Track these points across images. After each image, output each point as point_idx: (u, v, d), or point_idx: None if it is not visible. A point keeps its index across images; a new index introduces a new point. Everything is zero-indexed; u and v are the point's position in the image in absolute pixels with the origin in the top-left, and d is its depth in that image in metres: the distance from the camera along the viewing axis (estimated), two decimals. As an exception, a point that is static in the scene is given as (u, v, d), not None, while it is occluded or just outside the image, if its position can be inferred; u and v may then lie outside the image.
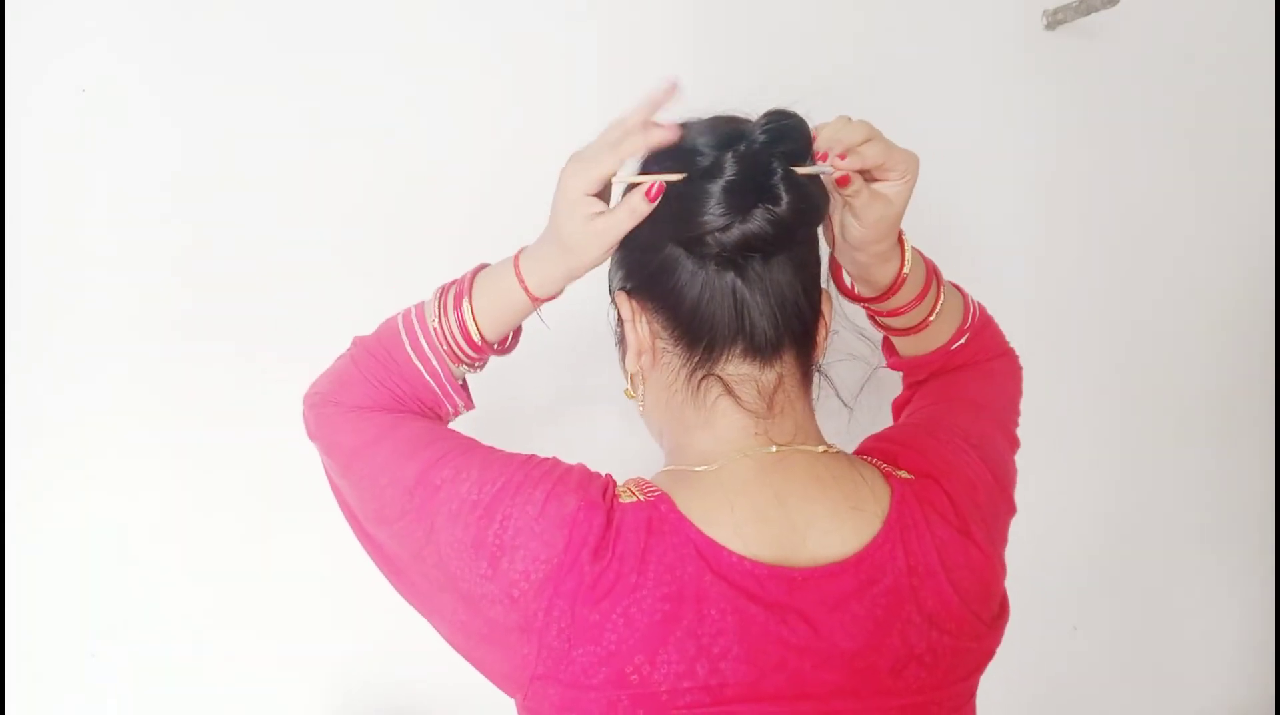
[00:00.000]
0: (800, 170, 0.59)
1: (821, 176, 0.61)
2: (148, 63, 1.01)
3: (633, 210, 0.59)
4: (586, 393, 1.16)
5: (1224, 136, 1.49)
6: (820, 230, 0.66)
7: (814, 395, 0.68)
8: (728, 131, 0.60)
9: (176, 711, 1.06)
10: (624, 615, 0.54)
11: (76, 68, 0.98)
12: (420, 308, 0.68)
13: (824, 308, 0.66)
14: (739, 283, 0.60)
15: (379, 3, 1.07)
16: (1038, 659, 1.47)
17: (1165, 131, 1.45)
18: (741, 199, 0.57)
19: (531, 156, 1.00)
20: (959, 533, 0.61)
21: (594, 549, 0.55)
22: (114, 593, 1.03)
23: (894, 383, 0.85)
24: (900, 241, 0.67)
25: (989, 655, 0.64)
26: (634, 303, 0.65)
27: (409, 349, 0.66)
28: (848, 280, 0.72)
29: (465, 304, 0.65)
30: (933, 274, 0.71)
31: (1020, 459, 0.75)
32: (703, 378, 0.63)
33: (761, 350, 0.62)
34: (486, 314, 0.66)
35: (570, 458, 0.63)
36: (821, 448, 0.64)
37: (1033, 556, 1.40)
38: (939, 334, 0.75)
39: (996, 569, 0.63)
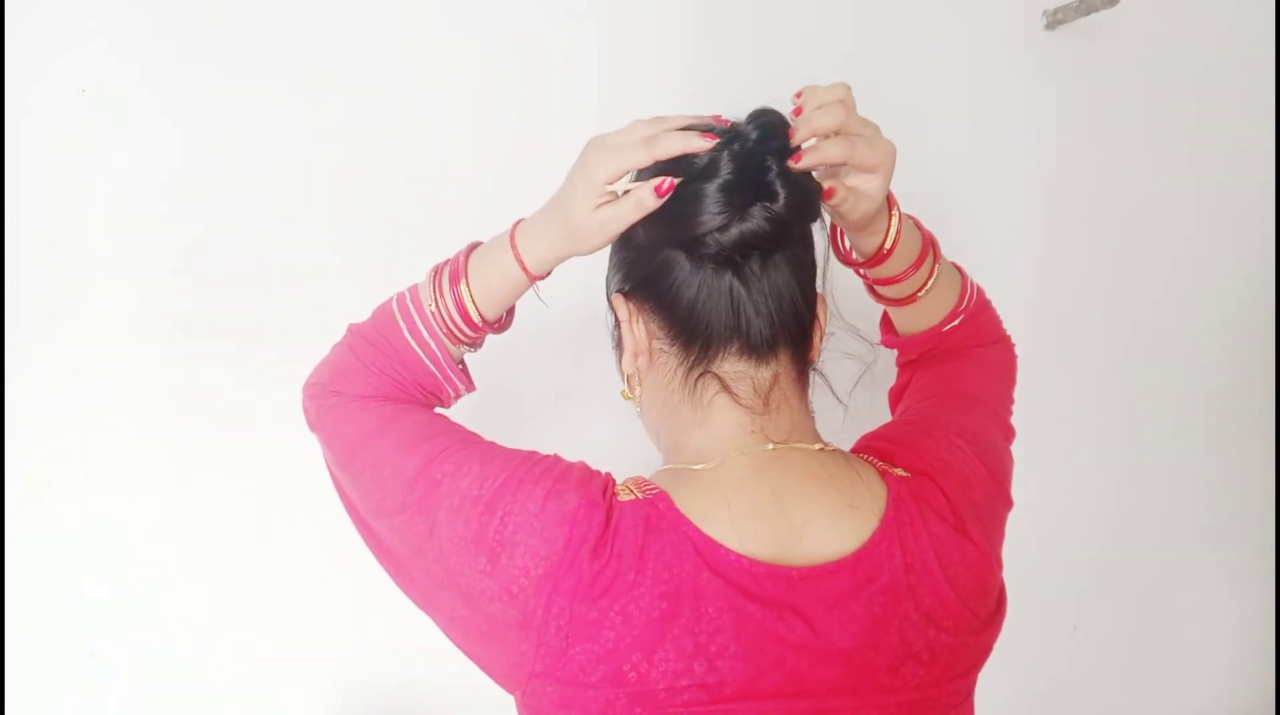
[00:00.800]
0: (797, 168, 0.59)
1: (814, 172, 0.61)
2: (148, 63, 1.01)
3: (640, 203, 0.59)
4: (585, 394, 1.16)
5: (1224, 136, 1.50)
6: (816, 226, 0.66)
7: (809, 395, 0.68)
8: (720, 132, 0.60)
9: (176, 711, 1.06)
10: (622, 613, 0.54)
11: (76, 68, 0.98)
12: (414, 291, 0.67)
13: (819, 310, 0.67)
14: (735, 282, 0.61)
15: (380, 3, 1.07)
16: (1038, 659, 1.47)
17: (1165, 131, 1.45)
18: (739, 197, 0.58)
19: (531, 157, 1.00)
20: (955, 530, 0.62)
21: (593, 547, 0.55)
22: (114, 593, 1.03)
23: (889, 382, 0.85)
24: (890, 212, 0.67)
25: (987, 651, 0.64)
26: (631, 304, 0.65)
27: (407, 334, 0.66)
28: (845, 244, 0.72)
29: (462, 284, 0.65)
30: (929, 247, 0.71)
31: (1020, 459, 0.75)
32: (700, 376, 0.63)
33: (757, 348, 0.62)
34: (483, 293, 0.65)
35: (569, 458, 0.63)
36: (818, 446, 0.64)
37: (1033, 556, 1.41)
38: (931, 311, 0.75)
39: (993, 565, 0.64)
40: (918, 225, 0.72)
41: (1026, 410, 0.80)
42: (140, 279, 1.01)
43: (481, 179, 1.11)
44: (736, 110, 0.64)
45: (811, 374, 0.68)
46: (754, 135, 0.59)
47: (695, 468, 0.62)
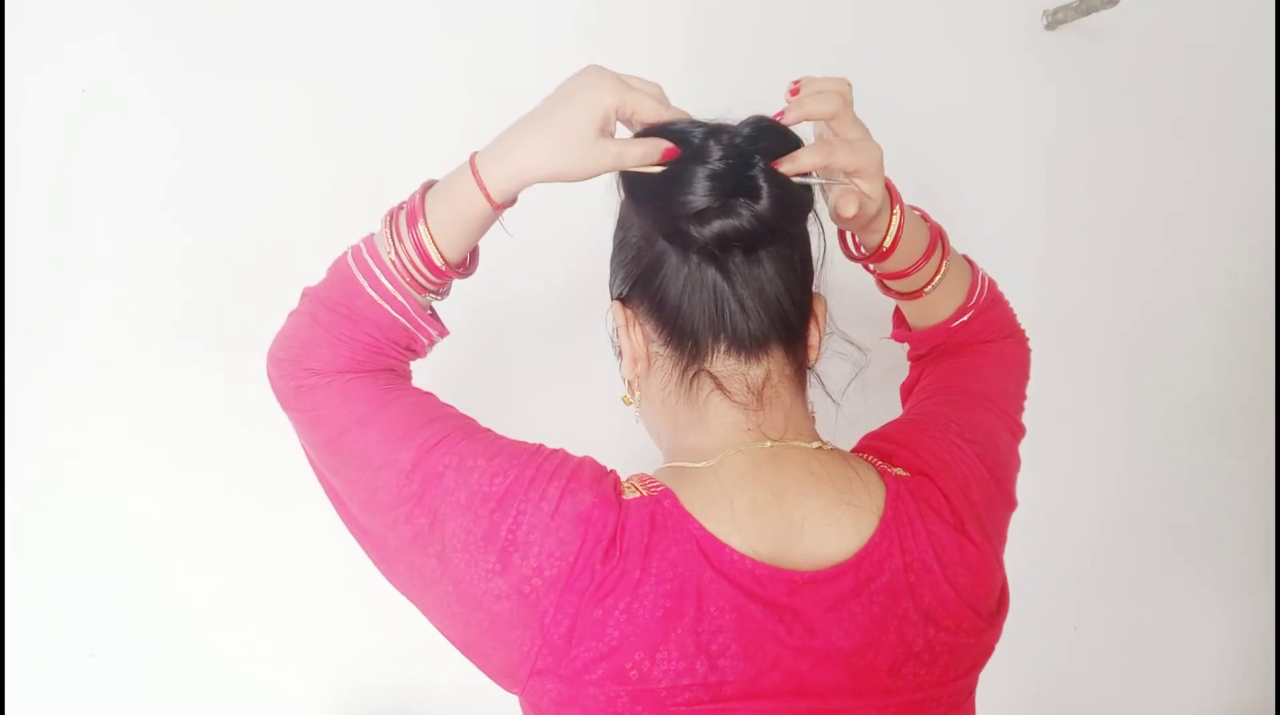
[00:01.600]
0: (797, 179, 0.60)
1: (814, 188, 0.62)
2: (148, 63, 1.01)
3: (644, 154, 0.58)
4: (587, 396, 1.16)
5: (1224, 136, 1.49)
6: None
7: (808, 395, 0.68)
8: (714, 126, 0.61)
9: (177, 711, 1.06)
10: (626, 611, 0.54)
11: (76, 67, 0.98)
12: (370, 242, 0.63)
13: (817, 309, 0.67)
14: (719, 278, 0.61)
15: (381, 3, 1.07)
16: (1038, 659, 1.47)
17: (1165, 131, 1.45)
18: (723, 185, 0.58)
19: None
20: (954, 529, 0.62)
21: (605, 549, 0.55)
22: (114, 593, 1.03)
23: (884, 382, 0.85)
24: (892, 209, 0.67)
25: (988, 651, 0.64)
26: (627, 311, 0.66)
27: (370, 291, 0.61)
28: (853, 240, 0.72)
29: (420, 225, 0.60)
30: (936, 241, 0.71)
31: (1022, 459, 0.75)
32: (694, 375, 0.63)
33: (745, 345, 0.62)
34: (444, 232, 0.61)
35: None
36: (816, 444, 0.64)
37: (1034, 556, 1.40)
38: (939, 306, 0.75)
39: (993, 565, 0.63)
40: (925, 218, 0.72)
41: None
42: (140, 279, 1.01)
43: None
44: (733, 112, 0.64)
45: (808, 375, 0.68)
46: (744, 132, 0.59)
47: (697, 466, 0.62)
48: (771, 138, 0.60)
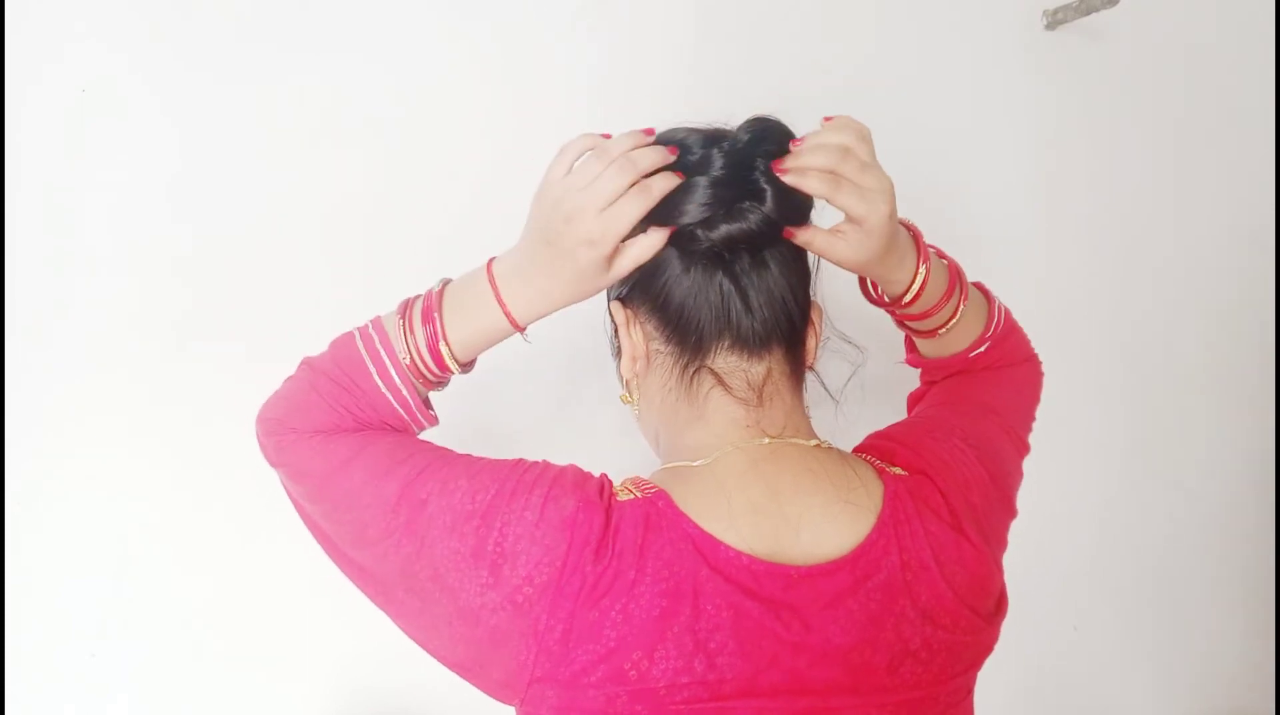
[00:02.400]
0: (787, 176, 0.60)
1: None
2: (148, 63, 1.01)
3: (651, 247, 0.59)
4: (583, 400, 1.16)
5: (1224, 136, 1.49)
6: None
7: (804, 396, 0.68)
8: (713, 132, 0.61)
9: (177, 711, 1.06)
10: (623, 612, 0.54)
11: (76, 68, 0.98)
12: (381, 331, 0.64)
13: (814, 316, 0.67)
14: (725, 279, 0.62)
15: (382, 2, 1.07)
16: (1038, 659, 1.47)
17: (1165, 131, 1.45)
18: (727, 193, 0.59)
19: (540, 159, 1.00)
20: (952, 529, 0.62)
21: (595, 549, 0.55)
22: (114, 593, 1.03)
23: (881, 383, 0.85)
24: (919, 257, 0.67)
25: (987, 650, 0.64)
26: (627, 310, 0.66)
27: (378, 379, 0.63)
28: (870, 281, 0.73)
29: (440, 338, 0.62)
30: (955, 283, 0.71)
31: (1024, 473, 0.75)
32: (695, 371, 0.64)
33: (749, 343, 0.63)
34: (462, 341, 0.63)
35: (565, 460, 0.63)
36: (813, 442, 0.65)
37: (1033, 556, 1.40)
38: (957, 341, 0.76)
39: (991, 566, 0.64)
40: (941, 255, 0.72)
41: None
42: (140, 279, 1.01)
43: (487, 182, 1.11)
44: (733, 112, 0.64)
45: (806, 376, 0.69)
46: (745, 137, 0.60)
47: (694, 464, 0.62)
48: (772, 139, 0.60)
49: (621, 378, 0.69)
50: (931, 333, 0.74)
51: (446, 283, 0.65)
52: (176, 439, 1.03)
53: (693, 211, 0.58)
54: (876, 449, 0.68)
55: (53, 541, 1.00)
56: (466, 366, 0.66)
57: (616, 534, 0.56)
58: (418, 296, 0.65)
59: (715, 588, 0.56)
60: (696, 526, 0.57)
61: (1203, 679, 1.61)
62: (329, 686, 1.12)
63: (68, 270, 0.99)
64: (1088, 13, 1.29)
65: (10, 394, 0.98)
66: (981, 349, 0.76)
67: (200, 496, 1.05)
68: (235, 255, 1.04)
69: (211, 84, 1.03)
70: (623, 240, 0.58)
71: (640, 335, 0.66)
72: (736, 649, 0.55)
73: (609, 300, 0.69)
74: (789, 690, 0.56)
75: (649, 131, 0.60)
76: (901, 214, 0.65)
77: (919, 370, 0.84)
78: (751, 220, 0.59)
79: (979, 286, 0.78)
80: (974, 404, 0.75)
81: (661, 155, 0.58)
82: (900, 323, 0.77)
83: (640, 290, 0.65)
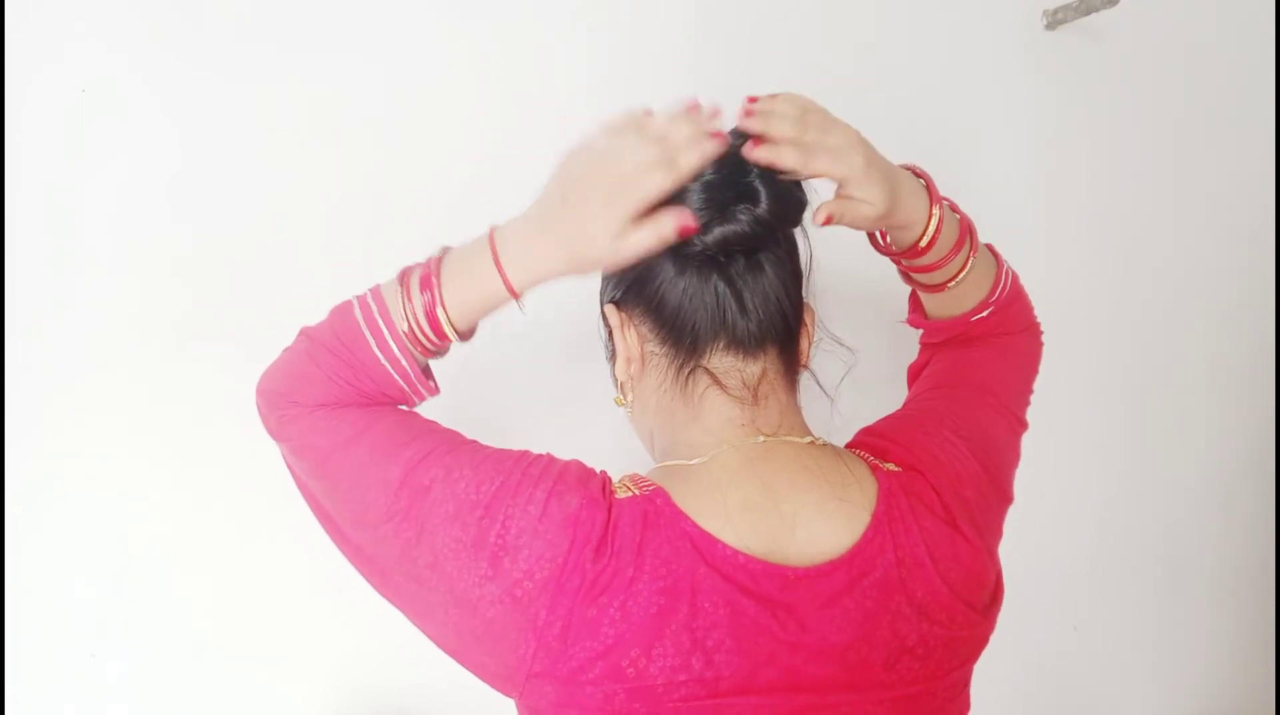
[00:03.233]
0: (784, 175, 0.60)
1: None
2: (148, 63, 1.01)
3: (661, 238, 0.58)
4: (580, 400, 1.16)
5: (1224, 136, 1.49)
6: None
7: (798, 394, 0.68)
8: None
9: (177, 711, 1.06)
10: (621, 609, 0.55)
11: (76, 68, 0.98)
12: (379, 300, 0.63)
13: (806, 317, 0.68)
14: (719, 280, 0.62)
15: (382, 2, 1.07)
16: (1038, 658, 1.47)
17: (1165, 131, 1.45)
18: (721, 196, 0.59)
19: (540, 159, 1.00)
20: (946, 524, 0.62)
21: (595, 548, 0.55)
22: (114, 593, 1.03)
23: (878, 384, 0.85)
24: (932, 196, 0.67)
25: (983, 644, 0.65)
26: (622, 313, 0.66)
27: (376, 350, 0.62)
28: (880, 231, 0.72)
29: (437, 303, 0.61)
30: (965, 235, 0.70)
31: (1022, 459, 0.75)
32: (690, 371, 0.64)
33: (744, 343, 0.63)
34: (460, 309, 0.62)
35: (566, 455, 0.64)
36: (808, 440, 0.65)
37: (1033, 555, 1.41)
38: (961, 300, 0.75)
39: (985, 560, 0.64)
40: (954, 209, 0.71)
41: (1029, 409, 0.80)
42: (140, 279, 1.01)
43: (488, 181, 1.11)
44: (731, 114, 0.64)
45: (800, 374, 0.69)
46: (736, 140, 0.60)
47: (691, 463, 0.63)
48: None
49: (616, 380, 0.69)
50: (939, 286, 0.73)
51: (447, 250, 0.64)
52: (176, 439, 1.03)
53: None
54: (869, 445, 0.69)
55: (53, 541, 1.00)
56: (465, 335, 0.65)
57: (616, 531, 0.56)
58: (418, 264, 0.64)
59: (713, 586, 0.56)
60: (694, 524, 0.58)
61: (1203, 679, 1.61)
62: (329, 686, 1.12)
63: (68, 270, 0.99)
64: (1088, 13, 1.29)
65: (10, 394, 0.98)
66: (985, 313, 0.75)
67: (200, 496, 1.05)
68: (235, 255, 1.04)
69: (211, 84, 1.03)
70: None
71: (635, 338, 0.66)
72: (734, 646, 0.55)
73: (602, 304, 0.69)
74: (786, 687, 0.57)
75: (694, 107, 0.59)
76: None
77: (919, 332, 0.83)
78: (745, 222, 0.59)
79: (989, 248, 0.77)
80: (971, 387, 0.74)
81: (697, 127, 0.57)
82: (907, 276, 0.76)
83: (634, 293, 0.65)
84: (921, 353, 0.84)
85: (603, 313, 0.69)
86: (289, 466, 0.66)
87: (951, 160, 1.32)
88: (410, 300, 0.62)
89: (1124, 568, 1.51)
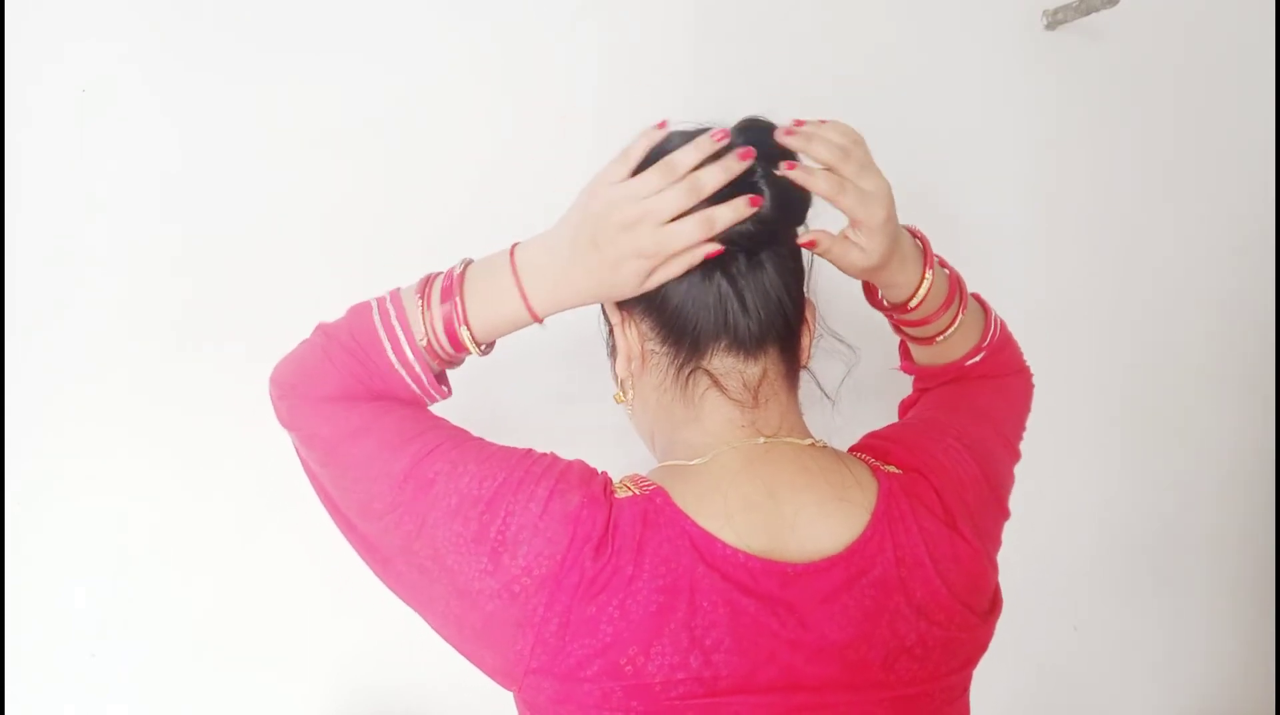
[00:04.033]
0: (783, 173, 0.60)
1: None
2: (148, 63, 1.01)
3: (691, 263, 0.59)
4: (582, 398, 1.16)
5: (1224, 136, 1.50)
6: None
7: (798, 394, 0.69)
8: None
9: (177, 711, 1.06)
10: (620, 607, 0.55)
11: (76, 67, 0.98)
12: (399, 306, 0.64)
13: (808, 314, 0.68)
14: (722, 280, 0.62)
15: (382, 2, 1.07)
16: (1038, 658, 1.47)
17: (1165, 131, 1.45)
18: (726, 196, 0.58)
19: (540, 159, 1.00)
20: (946, 526, 0.62)
21: (595, 546, 0.56)
22: (114, 593, 1.03)
23: (877, 384, 0.85)
24: (925, 262, 0.68)
25: (982, 647, 0.65)
26: (622, 309, 0.66)
27: (391, 354, 0.63)
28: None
29: (459, 321, 0.62)
30: (955, 291, 0.72)
31: (1022, 459, 0.75)
32: (691, 372, 0.64)
33: (745, 344, 0.63)
34: (481, 325, 0.63)
35: (569, 455, 0.64)
36: (808, 441, 0.65)
37: (1034, 556, 1.41)
38: (953, 349, 0.76)
39: (985, 564, 0.64)
40: (944, 265, 0.72)
41: (1030, 411, 0.80)
42: (140, 279, 1.01)
43: (488, 180, 1.11)
44: (731, 114, 0.64)
45: (800, 374, 0.69)
46: (740, 140, 0.60)
47: (690, 463, 0.63)
48: (770, 141, 0.60)
49: (616, 377, 0.69)
50: (929, 340, 0.75)
51: (468, 264, 0.65)
52: (176, 439, 1.03)
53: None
54: (871, 448, 0.69)
55: (53, 541, 1.00)
56: (485, 349, 0.67)
57: (616, 530, 0.57)
58: (438, 274, 0.65)
59: (712, 584, 0.56)
60: (694, 524, 0.58)
61: (1203, 679, 1.61)
62: (329, 686, 1.12)
63: (67, 270, 0.99)
64: (1088, 13, 1.29)
65: (10, 394, 0.98)
66: (977, 358, 0.77)
67: (200, 496, 1.05)
68: (235, 255, 1.04)
69: (211, 84, 1.03)
70: None
71: (635, 335, 0.66)
72: (733, 645, 0.56)
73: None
74: (785, 686, 0.57)
75: (719, 136, 0.59)
76: (902, 214, 0.65)
77: (913, 378, 0.84)
78: (750, 223, 0.59)
79: (977, 297, 0.79)
80: (969, 409, 0.75)
81: (727, 174, 0.58)
82: (897, 328, 0.77)
83: None
84: (915, 392, 0.85)
85: (603, 309, 0.69)
86: (299, 455, 0.67)
87: (951, 160, 1.32)
88: (430, 311, 0.63)
89: (1124, 568, 1.51)
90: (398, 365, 0.63)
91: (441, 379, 0.68)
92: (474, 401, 0.74)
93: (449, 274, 0.64)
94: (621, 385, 0.69)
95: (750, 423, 0.64)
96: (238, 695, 1.08)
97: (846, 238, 0.62)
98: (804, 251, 0.67)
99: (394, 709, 1.14)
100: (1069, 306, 1.43)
